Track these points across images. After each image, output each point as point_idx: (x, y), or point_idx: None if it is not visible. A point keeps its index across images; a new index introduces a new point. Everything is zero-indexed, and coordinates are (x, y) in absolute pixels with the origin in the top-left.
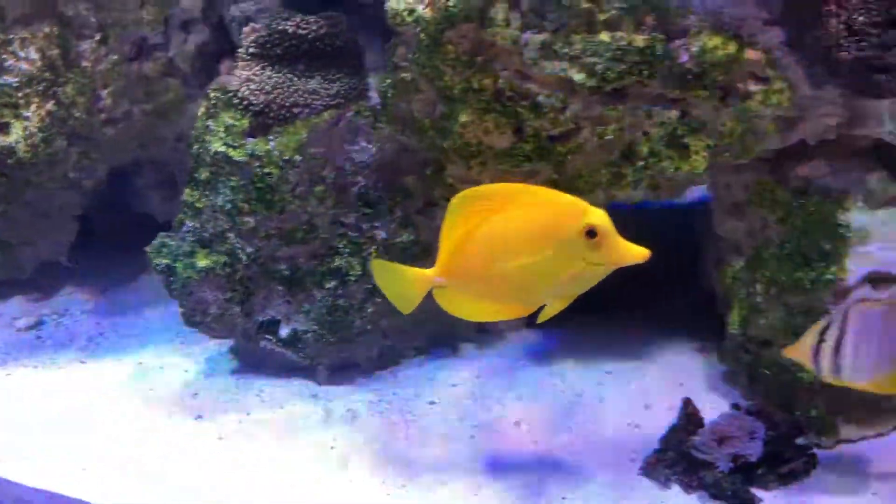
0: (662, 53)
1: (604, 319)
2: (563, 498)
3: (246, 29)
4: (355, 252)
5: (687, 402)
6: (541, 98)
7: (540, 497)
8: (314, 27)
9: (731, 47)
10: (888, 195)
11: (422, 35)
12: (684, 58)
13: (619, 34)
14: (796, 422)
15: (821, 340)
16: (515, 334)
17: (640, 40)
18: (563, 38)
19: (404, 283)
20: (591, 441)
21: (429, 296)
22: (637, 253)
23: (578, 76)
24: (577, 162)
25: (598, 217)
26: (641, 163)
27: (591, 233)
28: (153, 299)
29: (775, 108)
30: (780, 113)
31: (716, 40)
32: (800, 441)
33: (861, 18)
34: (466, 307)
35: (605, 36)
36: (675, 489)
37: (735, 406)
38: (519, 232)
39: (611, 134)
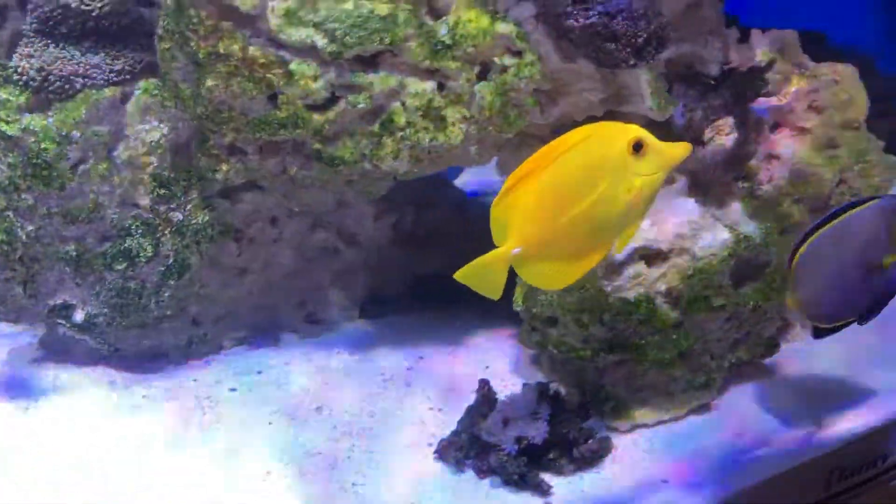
0: (406, 22)
1: (436, 309)
2: (354, 484)
3: (30, 6)
4: (147, 233)
5: (482, 384)
6: (293, 66)
7: (330, 483)
8: (99, 4)
9: (484, 21)
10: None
11: (167, 1)
12: (443, 31)
13: (364, 2)
14: (584, 403)
15: None
16: (347, 324)
17: (383, 8)
18: (310, 6)
19: (486, 271)
20: (391, 426)
21: (231, 285)
22: (683, 148)
23: (321, 42)
24: (336, 130)
25: (637, 129)
26: (400, 133)
27: (637, 146)
28: None
29: (529, 81)
30: (534, 86)
31: (470, 14)
32: (591, 424)
33: None
34: (548, 274)
35: (349, 4)
36: (469, 473)
37: (529, 386)
38: (570, 176)
39: (363, 102)
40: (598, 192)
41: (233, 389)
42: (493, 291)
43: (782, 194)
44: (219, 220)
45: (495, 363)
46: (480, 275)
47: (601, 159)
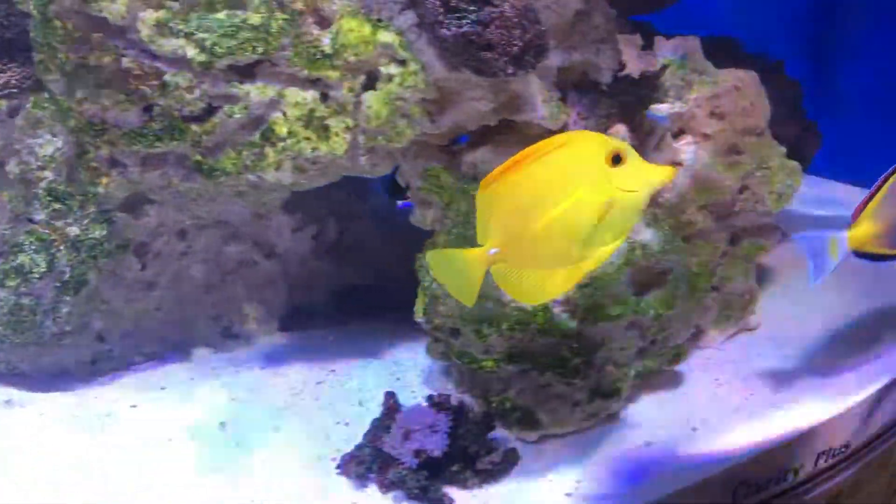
0: (281, 31)
1: (359, 322)
2: (252, 500)
3: None
4: (41, 249)
5: (388, 396)
6: (167, 77)
7: (231, 501)
8: None
9: (366, 30)
10: None
11: (34, 12)
12: (326, 41)
13: (237, 12)
14: (488, 414)
15: None
16: (264, 338)
17: (256, 18)
18: (182, 17)
19: (460, 268)
20: (295, 441)
21: (137, 300)
22: (666, 173)
23: (192, 52)
24: (217, 141)
25: (618, 143)
26: (282, 144)
27: (616, 158)
28: None
29: (413, 91)
30: (420, 95)
31: (352, 23)
32: (498, 436)
33: None
34: (526, 285)
35: (221, 14)
36: (372, 488)
37: (429, 398)
38: (546, 181)
39: (239, 113)
40: (572, 200)
41: (133, 406)
42: (467, 295)
43: (685, 201)
44: (117, 235)
45: (407, 375)
46: (454, 270)
47: (578, 167)
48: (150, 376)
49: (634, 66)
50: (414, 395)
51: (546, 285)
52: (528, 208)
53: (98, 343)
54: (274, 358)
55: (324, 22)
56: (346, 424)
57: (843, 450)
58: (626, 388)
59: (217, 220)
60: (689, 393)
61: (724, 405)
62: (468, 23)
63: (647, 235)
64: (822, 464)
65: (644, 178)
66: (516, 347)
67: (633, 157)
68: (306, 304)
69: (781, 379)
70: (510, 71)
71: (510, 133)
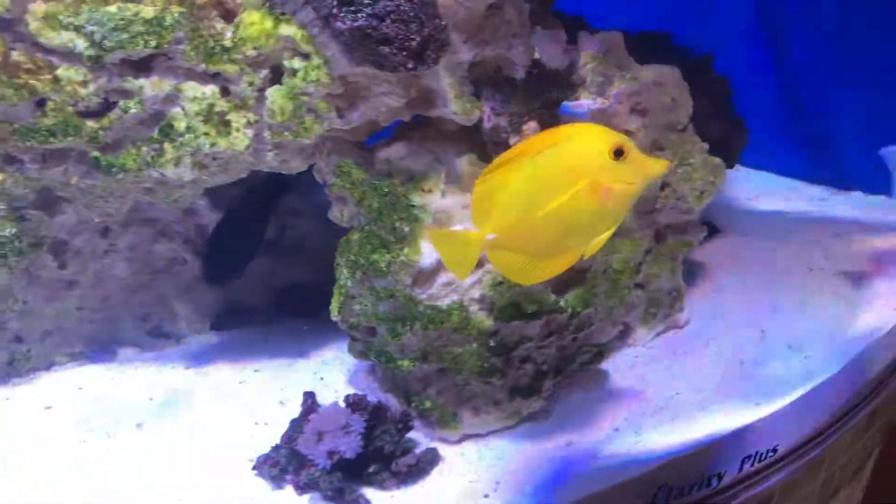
0: (176, 25)
1: (297, 320)
2: (168, 501)
3: None
4: None
5: (307, 396)
6: (59, 71)
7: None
8: None
9: (268, 23)
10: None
11: None
12: (229, 34)
13: (129, 5)
14: (406, 414)
15: None
16: (194, 338)
17: (149, 11)
18: (72, 9)
19: (459, 247)
20: (212, 442)
21: (57, 299)
22: (662, 165)
23: (81, 45)
24: (116, 137)
25: (620, 136)
26: (180, 139)
27: (619, 151)
28: None
29: (317, 85)
30: (325, 90)
31: (254, 16)
32: (419, 436)
33: None
34: (517, 266)
35: (113, 7)
36: (288, 489)
37: (346, 399)
38: (549, 173)
39: (134, 108)
40: (573, 192)
41: (48, 407)
42: (461, 270)
43: None
44: (29, 232)
45: (332, 375)
46: (453, 248)
47: (581, 159)
48: (70, 377)
49: (556, 61)
50: (337, 394)
51: (539, 268)
52: (529, 198)
53: (15, 343)
54: (201, 357)
55: (229, 15)
56: (266, 425)
57: (771, 453)
58: (546, 386)
59: (145, 217)
60: (614, 392)
61: (648, 405)
62: (363, 16)
63: None
64: (748, 468)
65: (642, 171)
66: (432, 346)
67: (633, 150)
68: (242, 303)
69: (708, 379)
70: (410, 66)
71: (426, 128)
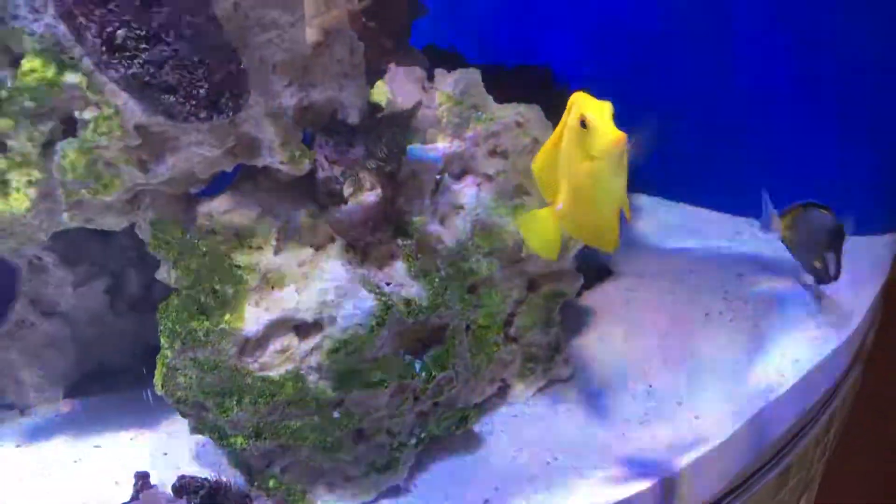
0: None
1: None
2: None
3: None
4: None
5: (138, 478)
6: None
7: None
8: None
9: (51, 71)
10: (317, 232)
11: None
12: (8, 84)
13: None
14: (244, 496)
15: None
16: (44, 408)
17: None
18: None
19: (540, 224)
20: None
21: None
22: (608, 138)
23: None
24: None
25: (593, 107)
26: None
27: (582, 122)
28: None
29: (110, 137)
30: (120, 143)
31: (35, 63)
32: None
33: (122, 32)
34: (593, 229)
35: None
36: None
37: (177, 481)
38: (564, 144)
39: None
40: (574, 160)
41: None
42: (550, 249)
43: (467, 249)
44: None
45: (179, 450)
46: (536, 227)
47: (567, 131)
48: None
49: (409, 101)
50: (179, 471)
51: (602, 230)
52: (560, 168)
53: None
54: (39, 432)
55: (15, 62)
56: None
57: None
58: (408, 458)
59: None
60: (487, 458)
61: (522, 473)
62: (138, 63)
63: (412, 290)
64: None
65: (595, 146)
66: (265, 421)
67: (592, 123)
68: (104, 366)
69: (589, 441)
70: (203, 115)
71: (256, 179)
